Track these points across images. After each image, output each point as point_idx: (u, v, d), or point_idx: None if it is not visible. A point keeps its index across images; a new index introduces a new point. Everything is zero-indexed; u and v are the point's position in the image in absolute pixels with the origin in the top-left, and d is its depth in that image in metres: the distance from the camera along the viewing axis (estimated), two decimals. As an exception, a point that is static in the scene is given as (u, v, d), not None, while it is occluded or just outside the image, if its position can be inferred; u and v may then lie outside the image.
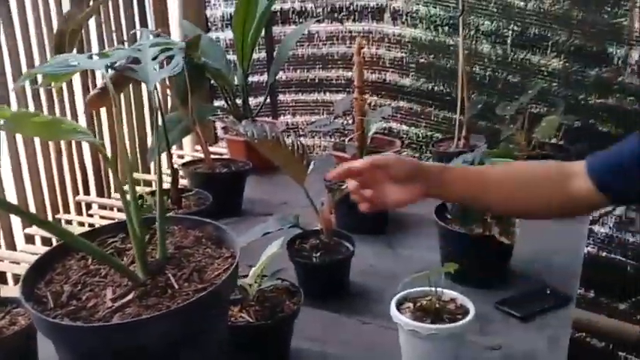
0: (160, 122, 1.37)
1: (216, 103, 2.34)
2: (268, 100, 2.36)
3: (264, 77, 2.34)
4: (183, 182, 1.88)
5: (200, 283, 0.86)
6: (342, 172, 1.10)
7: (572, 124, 1.93)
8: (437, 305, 1.12)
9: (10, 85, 1.69)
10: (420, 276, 1.11)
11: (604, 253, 2.09)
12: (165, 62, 1.15)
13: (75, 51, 1.72)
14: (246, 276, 1.18)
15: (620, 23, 1.87)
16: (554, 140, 1.83)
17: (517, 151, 1.68)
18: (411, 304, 1.14)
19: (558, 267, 1.45)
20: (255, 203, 1.84)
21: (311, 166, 1.40)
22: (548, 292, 1.33)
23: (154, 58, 1.01)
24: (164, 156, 1.53)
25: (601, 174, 1.04)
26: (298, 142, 1.42)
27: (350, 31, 2.24)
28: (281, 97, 2.40)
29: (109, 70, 1.01)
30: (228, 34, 2.30)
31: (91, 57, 1.01)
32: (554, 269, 1.44)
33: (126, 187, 0.89)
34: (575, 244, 1.56)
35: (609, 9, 1.86)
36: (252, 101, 2.32)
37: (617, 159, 1.05)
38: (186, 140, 2.36)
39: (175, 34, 2.31)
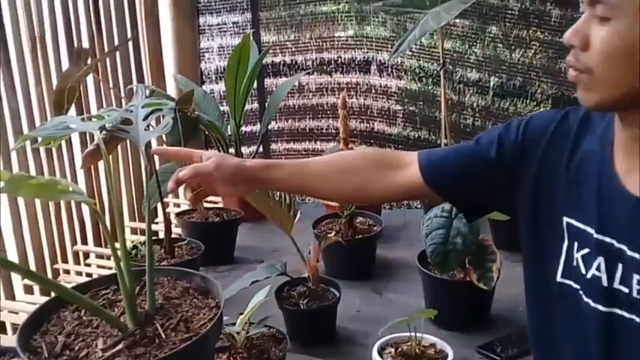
0: (152, 176, 1.43)
1: (211, 153, 2.40)
2: (261, 149, 2.43)
3: (257, 127, 2.42)
4: (177, 231, 1.94)
5: (186, 333, 0.91)
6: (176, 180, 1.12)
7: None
8: (417, 350, 1.17)
9: (12, 144, 1.76)
10: (401, 322, 1.16)
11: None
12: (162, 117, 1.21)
13: (73, 107, 1.80)
14: (234, 324, 1.23)
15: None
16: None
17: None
18: (392, 350, 1.18)
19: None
20: (247, 251, 1.90)
21: (298, 216, 1.47)
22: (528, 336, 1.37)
23: (145, 118, 1.08)
24: (160, 205, 1.60)
25: (428, 167, 1.08)
26: (287, 195, 1.49)
27: (338, 83, 2.33)
28: (273, 146, 2.47)
29: (103, 131, 1.08)
30: (222, 86, 2.38)
31: (85, 119, 1.08)
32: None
33: (117, 244, 0.95)
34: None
35: None
36: (245, 150, 2.40)
37: (446, 154, 1.10)
38: (182, 190, 2.42)
39: (171, 88, 2.39)
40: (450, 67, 2.14)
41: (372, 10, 2.16)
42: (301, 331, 1.40)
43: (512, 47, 2.05)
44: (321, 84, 2.36)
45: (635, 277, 0.89)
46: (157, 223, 2.11)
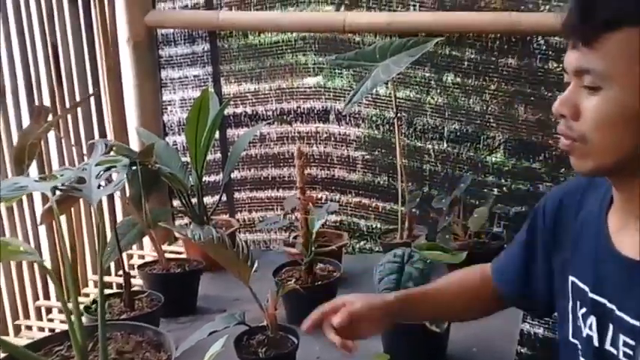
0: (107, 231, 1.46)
1: (176, 203, 2.43)
2: (225, 198, 2.46)
3: (220, 177, 2.45)
4: (139, 283, 1.95)
5: (138, 386, 0.93)
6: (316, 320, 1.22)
7: (508, 212, 2.06)
8: (371, 395, 1.20)
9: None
10: (352, 368, 1.19)
11: (555, 334, 2.17)
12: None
13: (35, 163, 1.82)
14: (191, 376, 1.25)
15: (540, 118, 2.04)
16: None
17: (454, 241, 1.79)
18: (347, 395, 1.20)
19: (494, 350, 1.53)
20: (209, 301, 1.91)
21: (255, 265, 1.50)
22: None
23: (98, 176, 1.11)
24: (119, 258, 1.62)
25: (500, 282, 1.19)
26: (243, 243, 1.52)
27: (299, 132, 2.38)
28: (237, 195, 2.51)
29: (56, 190, 1.11)
30: (184, 138, 2.42)
31: (40, 179, 1.11)
32: (490, 353, 1.52)
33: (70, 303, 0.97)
34: (511, 326, 1.65)
35: (548, 107, 2.01)
36: (209, 200, 2.43)
37: (509, 261, 1.19)
38: (147, 240, 2.44)
39: (134, 142, 2.42)
40: (406, 114, 2.20)
41: (327, 63, 2.23)
42: (260, 380, 1.42)
43: (468, 95, 2.13)
44: (281, 133, 2.42)
45: (622, 338, 0.93)
46: (119, 275, 2.11)
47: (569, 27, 0.90)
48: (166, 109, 2.51)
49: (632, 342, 0.91)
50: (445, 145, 2.18)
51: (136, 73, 2.44)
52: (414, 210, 1.97)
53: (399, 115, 2.03)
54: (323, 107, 2.35)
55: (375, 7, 2.18)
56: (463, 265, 1.58)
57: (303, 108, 2.37)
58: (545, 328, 2.17)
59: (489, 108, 2.11)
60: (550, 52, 2.00)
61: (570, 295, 1.02)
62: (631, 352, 0.91)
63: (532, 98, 2.05)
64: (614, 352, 0.94)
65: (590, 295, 0.98)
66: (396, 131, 1.94)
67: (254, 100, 2.42)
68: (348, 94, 2.24)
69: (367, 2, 2.19)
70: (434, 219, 2.06)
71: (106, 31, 2.34)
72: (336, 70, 2.29)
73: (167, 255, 1.98)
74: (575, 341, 1.01)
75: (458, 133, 2.16)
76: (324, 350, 1.59)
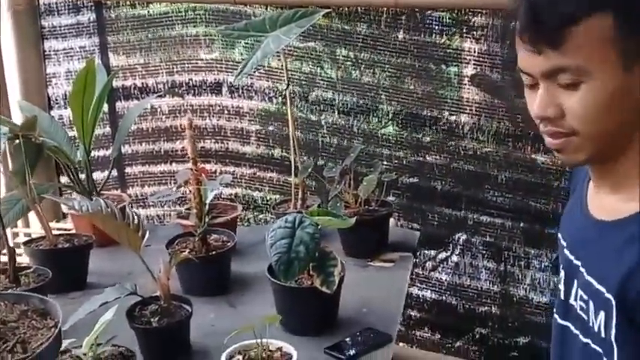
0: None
1: (64, 179, 2.35)
2: (115, 173, 2.40)
3: (110, 151, 2.39)
4: (26, 261, 1.87)
5: (23, 353, 0.91)
6: None
7: (398, 181, 2.14)
8: (264, 355, 1.22)
9: None
10: (244, 329, 1.21)
11: (442, 297, 2.29)
12: None
13: None
14: (81, 346, 1.23)
15: (443, 93, 2.12)
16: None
17: (344, 208, 1.84)
18: (240, 357, 1.23)
19: (383, 310, 1.60)
20: (101, 276, 1.87)
21: (147, 235, 1.48)
22: (371, 334, 1.46)
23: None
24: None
25: None
26: (133, 214, 1.50)
27: (191, 105, 2.36)
28: (128, 169, 2.45)
29: None
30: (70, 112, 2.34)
31: None
32: (379, 313, 1.59)
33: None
34: (398, 288, 1.72)
35: (438, 80, 2.10)
36: (99, 175, 2.36)
37: None
38: (35, 219, 2.34)
39: (17, 117, 2.31)
40: (299, 88, 2.23)
41: (218, 34, 2.21)
42: (155, 349, 1.41)
43: (360, 68, 2.18)
44: (173, 106, 2.38)
45: (580, 292, 0.98)
46: (4, 254, 2.03)
47: (528, 32, 0.88)
48: (51, 81, 2.41)
49: (585, 296, 0.96)
50: (338, 117, 2.23)
51: (17, 43, 2.32)
52: (306, 180, 2.00)
53: (292, 88, 2.05)
54: (215, 80, 2.33)
55: (266, -22, 2.18)
56: (352, 230, 1.64)
57: (195, 80, 2.35)
58: (432, 291, 2.28)
59: (380, 81, 2.17)
60: (436, 26, 2.08)
61: (559, 251, 1.09)
62: (585, 307, 0.96)
63: (420, 72, 2.13)
64: (575, 305, 1.00)
65: (565, 251, 1.04)
66: (288, 103, 1.96)
67: (144, 73, 2.37)
68: (239, 65, 2.24)
69: (258, -27, 2.19)
70: (327, 189, 2.11)
71: (-18, -1, 2.21)
72: (228, 42, 2.28)
73: (55, 232, 1.92)
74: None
75: (350, 106, 2.21)
76: (218, 318, 1.61)
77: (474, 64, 2.05)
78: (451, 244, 2.24)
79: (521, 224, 2.14)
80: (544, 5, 0.86)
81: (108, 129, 2.42)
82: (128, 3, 2.31)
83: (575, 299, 0.99)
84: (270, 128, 2.31)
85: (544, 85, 0.90)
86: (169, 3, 2.28)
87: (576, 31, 0.85)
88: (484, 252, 2.21)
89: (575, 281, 0.99)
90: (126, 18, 2.33)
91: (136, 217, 1.49)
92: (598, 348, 0.93)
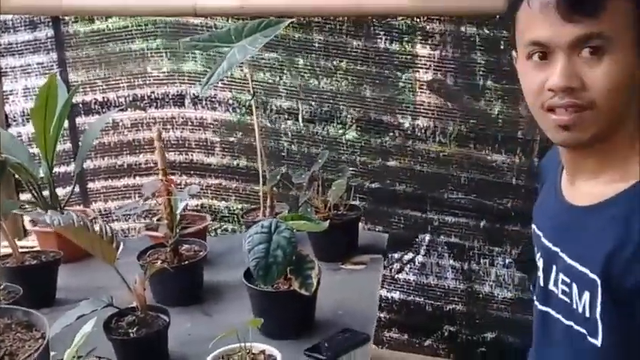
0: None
1: (24, 197, 2.31)
2: (78, 189, 2.37)
3: (72, 167, 2.37)
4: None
5: (12, 366, 0.90)
6: None
7: (363, 185, 2.19)
8: (247, 358, 1.24)
9: None
10: (228, 333, 1.22)
11: (410, 297, 2.33)
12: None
13: None
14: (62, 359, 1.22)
15: (386, 97, 2.18)
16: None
17: (315, 213, 1.86)
18: (224, 361, 1.24)
19: (358, 311, 1.63)
20: (70, 291, 1.85)
21: (121, 247, 1.47)
22: (348, 334, 1.49)
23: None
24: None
25: None
26: (106, 226, 1.50)
27: (154, 118, 2.35)
28: (91, 185, 2.43)
29: None
30: (30, 128, 2.31)
31: None
32: (355, 314, 1.61)
33: None
34: (371, 289, 1.75)
35: (394, 86, 2.15)
36: (61, 192, 2.33)
37: None
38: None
39: (-27, 133, 2.27)
40: (263, 97, 2.25)
41: (181, 46, 2.22)
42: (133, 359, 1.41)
43: (319, 76, 2.21)
44: (135, 119, 2.38)
45: (561, 276, 1.02)
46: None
47: (569, 1, 0.91)
48: (8, 99, 2.37)
49: (567, 280, 1.00)
50: (301, 125, 2.26)
51: (-28, 61, 2.29)
52: (274, 188, 2.02)
53: (255, 97, 2.07)
54: (178, 92, 2.34)
55: (226, -8, 2.20)
56: (323, 234, 1.66)
57: (158, 93, 2.35)
58: (400, 292, 2.32)
59: (340, 88, 2.21)
60: (394, 34, 2.13)
61: (534, 241, 1.13)
62: (567, 290, 1.00)
63: (379, 79, 2.18)
64: (555, 291, 1.03)
65: (542, 240, 1.08)
66: (254, 113, 1.98)
67: (104, 87, 2.36)
68: (203, 77, 2.25)
69: (217, -13, 2.20)
70: (295, 195, 2.13)
71: None
72: (189, 54, 2.29)
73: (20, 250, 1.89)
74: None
75: (312, 114, 2.24)
76: (195, 326, 1.61)
77: (433, 69, 2.12)
78: (416, 245, 2.29)
79: (483, 223, 2.20)
80: None
81: (68, 145, 2.39)
82: (87, 18, 2.30)
83: (556, 284, 1.04)
84: (234, 139, 2.32)
85: (565, 57, 0.92)
86: (128, 17, 2.28)
87: (614, 2, 0.91)
88: (449, 251, 2.27)
89: (554, 267, 1.04)
90: (84, 33, 2.32)
91: (108, 229, 1.48)
92: (581, 329, 0.98)
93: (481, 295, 2.27)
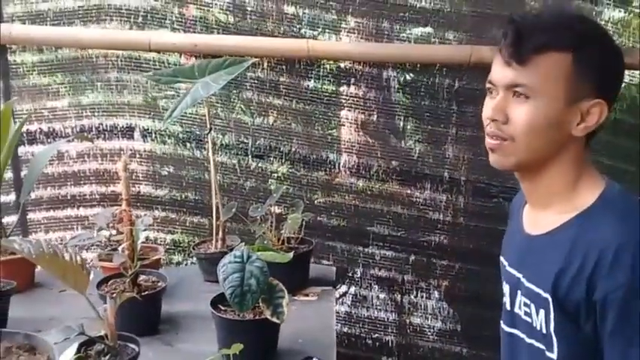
0: None
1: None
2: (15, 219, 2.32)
3: (11, 197, 2.33)
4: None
5: (21, 388, 0.91)
6: None
7: (309, 220, 2.27)
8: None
9: None
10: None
11: (346, 329, 2.43)
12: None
13: None
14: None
15: (332, 135, 2.30)
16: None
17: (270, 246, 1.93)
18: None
19: (317, 340, 1.70)
20: (21, 322, 1.80)
21: (91, 275, 1.48)
22: (313, 360, 1.56)
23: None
24: None
25: None
26: (76, 254, 1.50)
27: (101, 149, 2.35)
28: (31, 215, 2.39)
29: None
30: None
31: None
32: (314, 342, 1.68)
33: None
34: (327, 319, 1.83)
35: (323, 124, 2.27)
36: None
37: None
38: None
39: None
40: (213, 132, 2.31)
41: (132, 80, 2.26)
42: (103, 389, 1.41)
43: (257, 113, 2.30)
44: (82, 150, 2.37)
45: (523, 299, 1.15)
46: None
47: (507, 49, 1.08)
48: (-52, 126, 2.30)
49: (528, 301, 1.13)
50: (250, 159, 2.33)
51: None
52: (227, 221, 2.07)
53: (204, 132, 2.13)
54: (127, 124, 2.35)
55: (180, 29, 2.26)
56: (276, 266, 1.73)
57: (106, 125, 2.36)
58: (355, 307, 2.44)
59: (276, 125, 2.31)
60: (341, 75, 2.26)
61: (501, 270, 1.26)
62: (528, 310, 1.14)
63: (326, 117, 2.30)
64: (520, 313, 1.17)
65: (508, 268, 1.21)
66: (209, 147, 2.03)
67: (51, 117, 2.35)
68: (152, 111, 2.30)
69: (171, 23, 2.26)
70: (242, 229, 2.19)
71: None
72: (140, 88, 2.32)
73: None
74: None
75: (262, 149, 2.32)
76: (157, 357, 1.63)
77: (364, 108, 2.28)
78: (350, 278, 2.41)
79: (412, 257, 2.36)
80: (526, 30, 1.08)
81: (10, 174, 2.34)
82: (35, 48, 2.29)
83: (520, 307, 1.17)
84: (184, 172, 2.36)
85: (502, 94, 1.10)
86: (80, 49, 2.29)
87: (541, 57, 1.06)
88: (381, 284, 2.40)
89: (519, 292, 1.17)
90: (32, 63, 2.30)
91: (78, 258, 1.49)
92: (540, 345, 1.11)
93: (413, 327, 2.41)
